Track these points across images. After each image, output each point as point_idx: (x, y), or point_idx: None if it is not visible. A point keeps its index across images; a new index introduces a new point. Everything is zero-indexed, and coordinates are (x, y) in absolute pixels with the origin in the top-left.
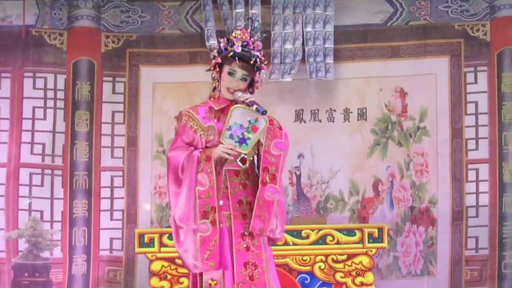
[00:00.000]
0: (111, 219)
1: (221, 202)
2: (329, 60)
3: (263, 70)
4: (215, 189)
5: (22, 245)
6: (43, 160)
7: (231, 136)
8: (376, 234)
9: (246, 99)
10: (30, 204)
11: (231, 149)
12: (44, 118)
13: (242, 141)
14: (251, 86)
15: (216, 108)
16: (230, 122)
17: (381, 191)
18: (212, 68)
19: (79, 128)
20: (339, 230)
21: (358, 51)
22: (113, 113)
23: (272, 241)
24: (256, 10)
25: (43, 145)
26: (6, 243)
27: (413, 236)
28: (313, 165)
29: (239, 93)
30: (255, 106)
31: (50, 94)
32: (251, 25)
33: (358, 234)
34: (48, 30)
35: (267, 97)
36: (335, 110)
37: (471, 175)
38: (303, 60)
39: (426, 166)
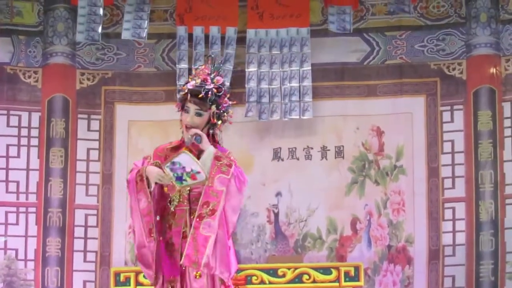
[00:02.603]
0: (85, 260)
1: (157, 217)
2: (308, 99)
3: (225, 104)
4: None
5: None
6: (17, 198)
7: (171, 170)
8: (352, 273)
9: (194, 133)
10: (5, 242)
11: (167, 179)
12: (18, 156)
13: (179, 179)
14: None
15: (169, 147)
16: (175, 159)
17: (359, 229)
18: (178, 110)
19: (54, 165)
20: (316, 269)
21: (335, 89)
22: (88, 150)
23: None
24: (231, 50)
25: (17, 183)
26: None
27: (391, 276)
28: (291, 203)
29: (193, 130)
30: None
31: (24, 132)
32: (210, 62)
33: (335, 272)
34: (23, 68)
35: (245, 136)
36: (312, 148)
37: (448, 214)
38: None
39: (402, 205)
